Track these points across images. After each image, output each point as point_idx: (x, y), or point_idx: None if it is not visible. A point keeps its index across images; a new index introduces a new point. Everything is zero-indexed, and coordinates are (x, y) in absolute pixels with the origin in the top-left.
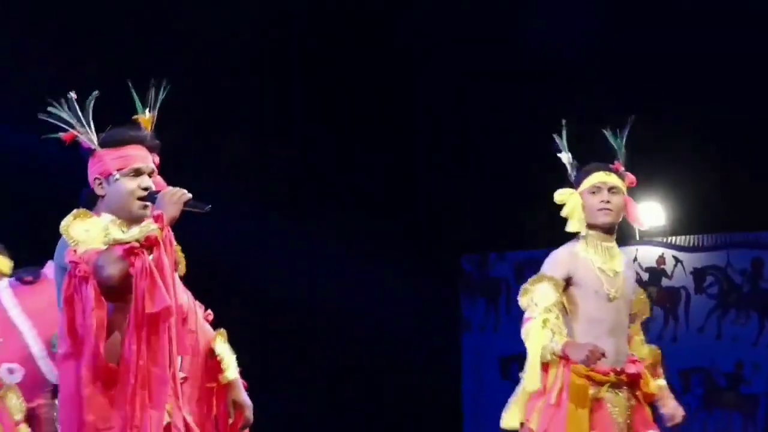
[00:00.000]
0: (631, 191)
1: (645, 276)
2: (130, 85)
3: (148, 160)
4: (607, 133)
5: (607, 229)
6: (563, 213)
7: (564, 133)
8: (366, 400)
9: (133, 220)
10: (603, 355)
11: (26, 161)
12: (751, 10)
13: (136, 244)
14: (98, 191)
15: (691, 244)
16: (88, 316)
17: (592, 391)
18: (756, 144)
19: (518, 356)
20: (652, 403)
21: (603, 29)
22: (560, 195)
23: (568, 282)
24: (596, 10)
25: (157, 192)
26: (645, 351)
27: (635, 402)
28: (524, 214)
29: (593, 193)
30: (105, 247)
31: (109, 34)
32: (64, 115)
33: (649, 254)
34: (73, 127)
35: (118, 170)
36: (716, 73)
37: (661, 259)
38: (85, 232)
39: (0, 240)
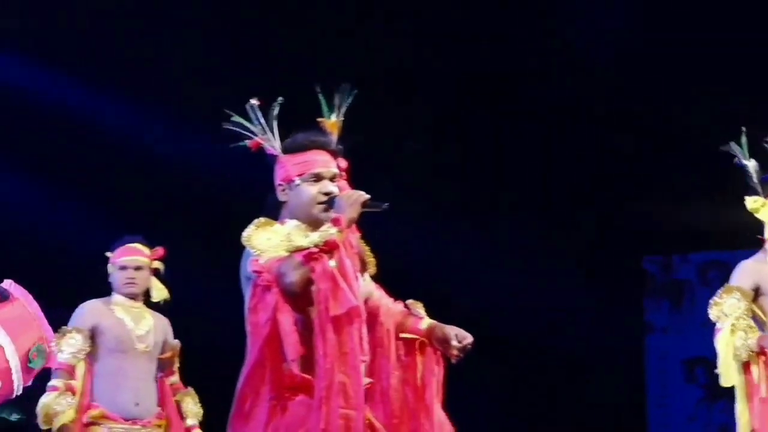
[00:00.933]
0: None
1: None
2: (318, 89)
3: (330, 164)
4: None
5: None
6: (765, 219)
7: (744, 140)
8: (547, 405)
9: (315, 224)
10: None
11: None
12: None
13: (315, 249)
14: (281, 197)
15: None
16: (266, 324)
17: None
18: None
19: (702, 359)
20: None
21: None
22: (753, 202)
23: (756, 292)
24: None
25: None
26: None
27: None
28: (707, 216)
29: None
30: (286, 255)
31: (294, 38)
32: (249, 124)
33: None
34: (257, 134)
35: (298, 176)
36: None
37: None
38: (267, 241)
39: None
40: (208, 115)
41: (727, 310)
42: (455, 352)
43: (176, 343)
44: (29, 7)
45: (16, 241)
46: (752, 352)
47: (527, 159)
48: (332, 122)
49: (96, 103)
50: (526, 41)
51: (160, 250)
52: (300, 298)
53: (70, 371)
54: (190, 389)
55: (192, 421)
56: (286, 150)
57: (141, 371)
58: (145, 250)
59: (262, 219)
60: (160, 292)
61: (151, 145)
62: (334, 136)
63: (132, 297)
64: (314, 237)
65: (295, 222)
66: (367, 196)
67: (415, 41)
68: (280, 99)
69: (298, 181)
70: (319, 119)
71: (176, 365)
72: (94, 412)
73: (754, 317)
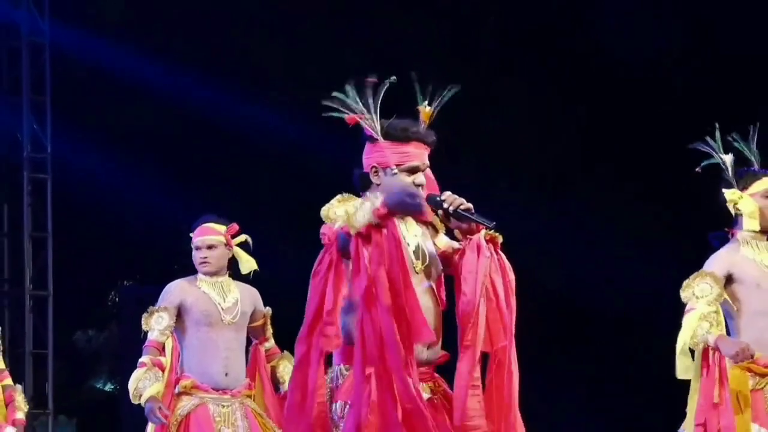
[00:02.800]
0: None
1: None
2: (414, 76)
3: (424, 157)
4: (738, 141)
5: (765, 230)
6: (744, 211)
7: (717, 135)
8: (622, 377)
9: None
10: (751, 356)
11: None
12: None
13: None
14: (373, 178)
15: None
16: (320, 282)
17: (751, 382)
18: None
19: None
20: None
21: None
22: (732, 194)
23: (728, 279)
24: None
25: (438, 196)
26: None
27: None
28: None
29: (767, 197)
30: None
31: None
32: (351, 101)
33: None
34: (358, 112)
35: (397, 165)
36: None
37: None
38: (343, 213)
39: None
40: (298, 94)
41: (698, 293)
42: (450, 207)
43: (267, 310)
44: None
45: (111, 222)
46: (707, 345)
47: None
48: (426, 111)
49: (194, 87)
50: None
51: (234, 227)
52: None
53: (158, 348)
54: (286, 353)
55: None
56: (388, 136)
57: (229, 342)
58: (219, 227)
59: (345, 195)
60: (247, 264)
61: (242, 126)
62: (429, 131)
63: (209, 275)
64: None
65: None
66: (464, 205)
67: (504, 21)
68: (372, 78)
69: (396, 170)
70: (418, 107)
71: (269, 331)
72: (185, 382)
73: (723, 303)
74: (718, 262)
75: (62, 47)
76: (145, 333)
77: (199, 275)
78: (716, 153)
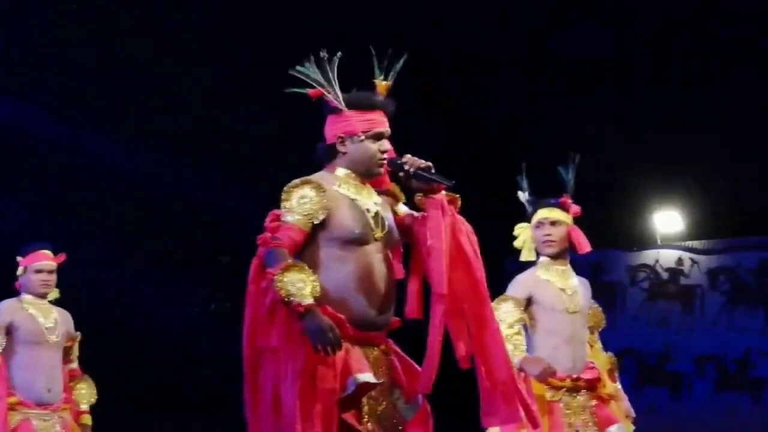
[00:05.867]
0: (654, 200)
1: (665, 275)
2: (373, 51)
3: (386, 125)
4: (560, 169)
5: (556, 256)
6: (516, 244)
7: (524, 174)
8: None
9: (368, 175)
10: (554, 373)
11: None
12: None
13: (288, 300)
14: (339, 148)
15: (706, 248)
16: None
17: (549, 394)
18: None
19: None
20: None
21: None
22: (517, 228)
23: (529, 301)
24: None
25: (399, 158)
26: (603, 358)
27: (596, 402)
28: None
29: (538, 227)
30: (280, 253)
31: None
32: (313, 74)
33: (668, 257)
34: (321, 86)
35: (363, 132)
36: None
37: (680, 261)
38: (300, 200)
39: None
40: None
41: (501, 315)
42: (411, 169)
43: (77, 334)
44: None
45: None
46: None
47: None
48: (384, 85)
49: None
50: None
51: (62, 256)
52: None
53: None
54: (87, 376)
55: (84, 406)
56: (351, 106)
57: (52, 360)
58: (54, 255)
59: (310, 179)
60: (53, 293)
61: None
62: (389, 100)
63: (44, 296)
64: (304, 290)
65: (346, 171)
66: (424, 164)
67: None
68: (339, 54)
69: (362, 137)
70: (375, 80)
71: (76, 354)
72: (11, 400)
73: (524, 325)
74: (519, 285)
75: None
76: None
77: (25, 297)
78: (520, 191)
